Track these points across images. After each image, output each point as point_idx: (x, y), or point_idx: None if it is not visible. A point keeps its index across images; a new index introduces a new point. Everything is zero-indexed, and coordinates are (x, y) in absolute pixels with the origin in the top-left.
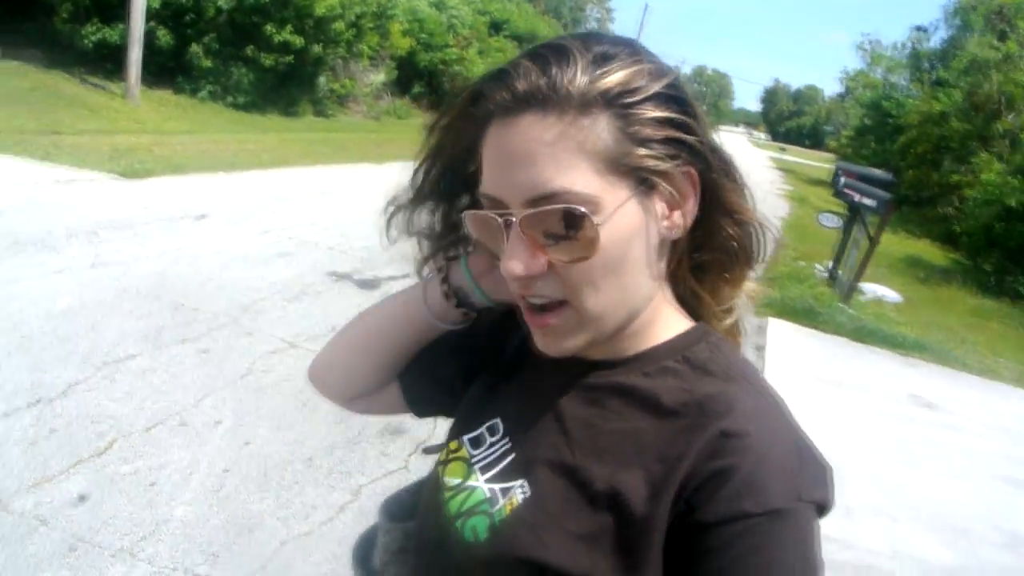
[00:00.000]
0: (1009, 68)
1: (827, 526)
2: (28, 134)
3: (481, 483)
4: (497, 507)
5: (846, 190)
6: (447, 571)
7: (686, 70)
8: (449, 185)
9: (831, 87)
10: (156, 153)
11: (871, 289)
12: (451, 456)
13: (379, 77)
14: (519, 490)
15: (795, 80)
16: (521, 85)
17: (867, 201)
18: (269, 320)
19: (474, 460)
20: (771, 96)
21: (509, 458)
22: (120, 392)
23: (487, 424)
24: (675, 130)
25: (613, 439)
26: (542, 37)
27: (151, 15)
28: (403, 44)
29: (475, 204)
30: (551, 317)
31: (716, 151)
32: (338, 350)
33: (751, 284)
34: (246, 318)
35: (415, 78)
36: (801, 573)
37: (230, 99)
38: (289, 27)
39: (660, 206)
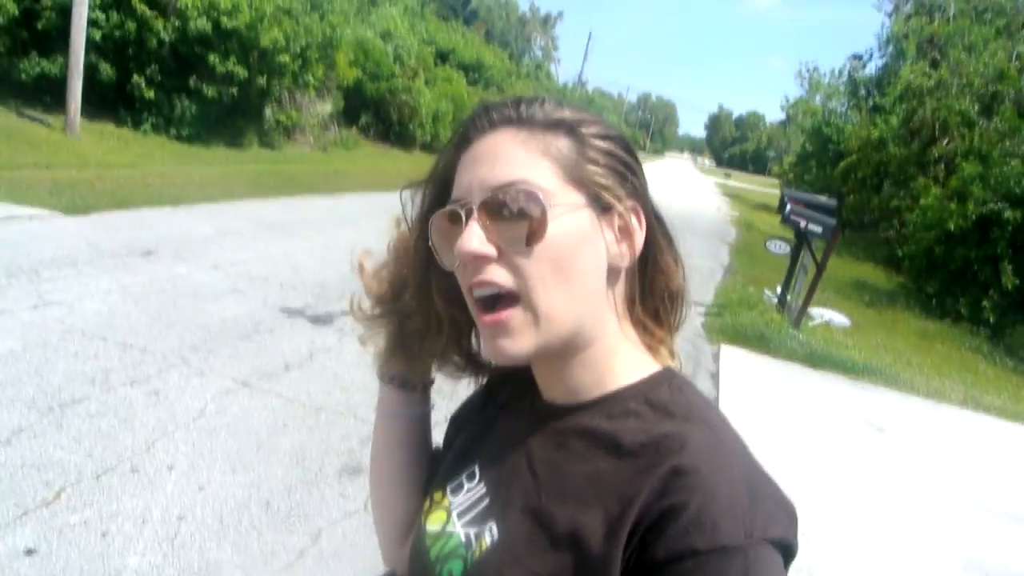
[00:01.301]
0: (942, 95)
1: None
2: None
3: (458, 529)
4: (471, 550)
5: (793, 217)
6: None
7: (631, 98)
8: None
9: (772, 112)
10: (99, 187)
11: (819, 313)
12: (433, 505)
13: (326, 108)
14: (488, 533)
15: (738, 106)
16: (497, 115)
17: (813, 227)
18: (221, 359)
19: (453, 507)
20: (715, 122)
21: (484, 503)
22: (67, 438)
23: (466, 472)
24: (621, 165)
25: (576, 481)
26: (488, 66)
27: (92, 47)
28: (350, 75)
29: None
30: (503, 313)
31: (658, 216)
32: (372, 497)
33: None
34: (197, 358)
35: (362, 108)
36: None
37: (174, 131)
38: (233, 58)
39: (611, 233)
